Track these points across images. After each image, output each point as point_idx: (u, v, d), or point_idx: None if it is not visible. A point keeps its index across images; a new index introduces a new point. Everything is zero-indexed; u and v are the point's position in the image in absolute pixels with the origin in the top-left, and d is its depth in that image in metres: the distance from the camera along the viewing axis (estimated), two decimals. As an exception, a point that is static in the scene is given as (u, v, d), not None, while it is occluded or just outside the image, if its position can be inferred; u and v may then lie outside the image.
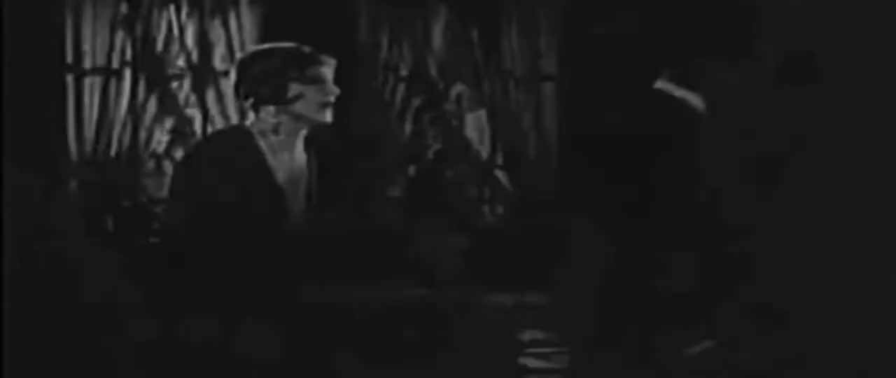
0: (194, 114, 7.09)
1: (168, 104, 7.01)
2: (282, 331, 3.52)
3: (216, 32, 7.07)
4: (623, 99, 3.34)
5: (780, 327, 5.82)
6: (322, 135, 3.71)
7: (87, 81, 6.94)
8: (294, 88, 3.50)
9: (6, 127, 6.26)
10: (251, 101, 3.54)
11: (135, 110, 7.01)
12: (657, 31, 3.36)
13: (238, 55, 6.48)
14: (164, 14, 7.01)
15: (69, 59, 6.93)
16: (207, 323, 3.40)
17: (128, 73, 7.00)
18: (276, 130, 3.52)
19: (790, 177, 6.30)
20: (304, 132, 3.57)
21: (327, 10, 7.21)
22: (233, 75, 3.58)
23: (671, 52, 3.25)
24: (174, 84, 7.02)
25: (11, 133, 6.34)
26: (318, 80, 3.53)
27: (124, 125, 7.00)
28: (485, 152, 7.51)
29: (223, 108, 7.03)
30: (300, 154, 3.60)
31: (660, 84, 3.22)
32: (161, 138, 7.06)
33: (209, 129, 7.03)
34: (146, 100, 7.01)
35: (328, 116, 3.56)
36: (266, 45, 3.67)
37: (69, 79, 6.93)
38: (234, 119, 6.95)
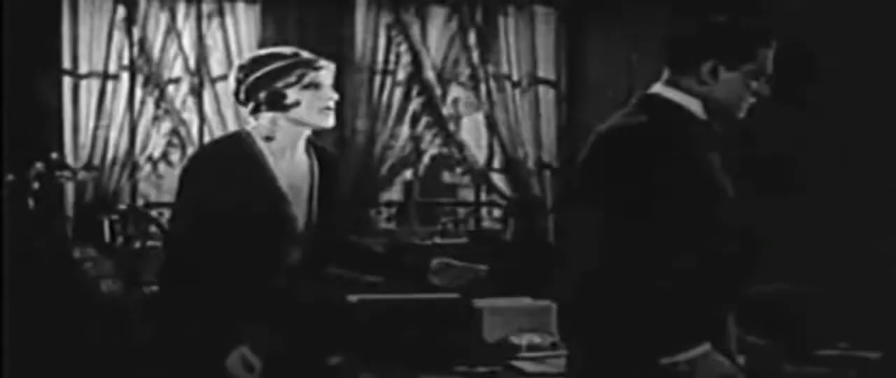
0: (191, 118, 7.07)
1: (165, 108, 7.00)
2: (284, 334, 3.51)
3: (214, 36, 7.06)
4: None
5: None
6: (322, 139, 3.71)
7: (84, 85, 6.93)
8: (293, 94, 3.49)
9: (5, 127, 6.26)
10: (250, 106, 3.52)
11: (132, 114, 7.00)
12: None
13: (236, 60, 6.51)
14: (162, 18, 6.99)
15: (66, 62, 6.91)
16: (211, 328, 3.39)
17: (125, 77, 6.98)
18: (275, 136, 3.51)
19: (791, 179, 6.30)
20: (305, 137, 3.56)
21: (325, 13, 7.20)
22: (232, 81, 3.57)
23: (671, 54, 3.23)
24: (171, 88, 7.01)
25: (9, 135, 6.34)
26: (317, 86, 3.51)
27: (121, 129, 6.98)
28: (482, 156, 7.50)
29: (220, 113, 7.02)
30: (302, 159, 3.59)
31: (656, 88, 3.21)
32: (158, 142, 7.04)
33: (206, 133, 7.02)
34: (143, 104, 7.00)
35: (329, 121, 3.55)
36: (264, 51, 3.66)
37: (66, 82, 6.91)
38: (231, 123, 6.95)
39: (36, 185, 6.38)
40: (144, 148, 7.01)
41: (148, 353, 5.77)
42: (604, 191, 3.06)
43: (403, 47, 7.30)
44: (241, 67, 3.54)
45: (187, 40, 7.06)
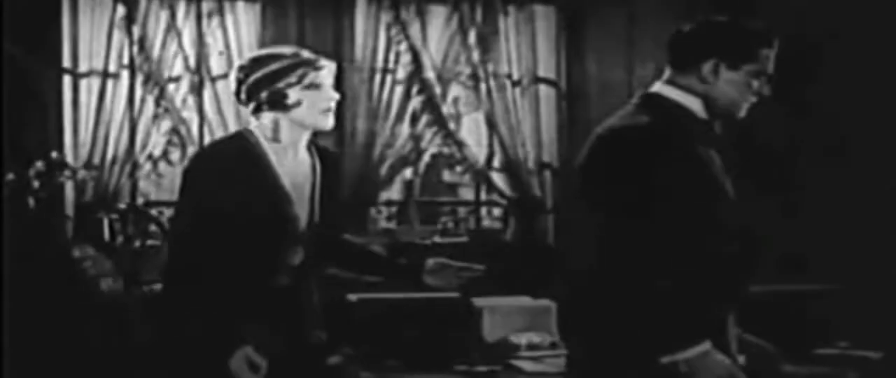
0: (191, 116, 7.07)
1: (165, 106, 7.00)
2: (285, 334, 3.51)
3: (214, 35, 7.06)
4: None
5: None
6: (323, 138, 3.71)
7: (84, 83, 6.93)
8: (294, 94, 3.48)
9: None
10: (252, 106, 3.52)
11: (132, 112, 7.00)
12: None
13: (237, 60, 6.50)
14: (162, 16, 6.99)
15: (66, 60, 6.92)
16: (214, 328, 3.38)
17: (125, 76, 6.99)
18: (277, 136, 3.50)
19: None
20: (306, 136, 3.56)
21: (324, 12, 7.20)
22: (232, 81, 3.56)
23: (673, 52, 3.23)
24: (171, 86, 7.01)
25: (9, 135, 6.34)
26: (318, 86, 3.51)
27: (121, 127, 6.98)
28: (482, 155, 7.50)
29: (220, 111, 7.02)
30: (304, 158, 3.58)
31: (657, 87, 3.21)
32: (158, 141, 7.04)
33: (206, 132, 7.01)
34: (143, 102, 7.00)
35: (329, 122, 3.54)
36: (265, 51, 3.64)
37: (67, 81, 6.91)
38: (231, 122, 6.94)
39: (36, 184, 6.38)
40: (144, 146, 7.01)
41: (148, 353, 5.77)
42: (605, 190, 3.06)
43: (403, 46, 7.30)
44: (242, 67, 3.53)
45: (187, 39, 7.05)
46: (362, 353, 6.02)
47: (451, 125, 7.37)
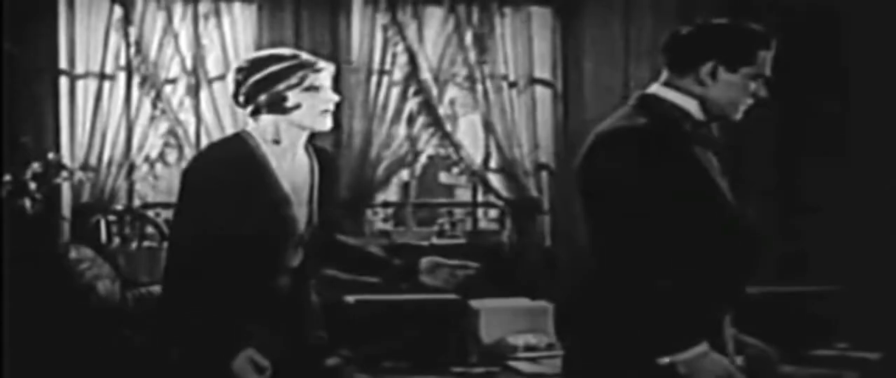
0: (188, 118, 7.06)
1: (162, 108, 6.99)
2: (286, 336, 3.50)
3: (210, 37, 7.05)
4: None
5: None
6: (320, 139, 3.70)
7: (81, 85, 6.93)
8: (293, 97, 3.47)
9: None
10: (250, 108, 3.51)
11: (129, 114, 7.00)
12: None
13: (234, 62, 6.49)
14: (159, 18, 6.99)
15: (63, 62, 6.91)
16: (215, 330, 3.38)
17: (122, 78, 6.98)
18: (277, 138, 3.50)
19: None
20: (304, 137, 3.55)
21: (321, 13, 7.20)
22: (230, 83, 3.55)
23: (671, 54, 3.23)
24: (168, 88, 7.00)
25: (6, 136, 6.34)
26: (318, 88, 3.50)
27: (118, 129, 6.98)
28: (479, 156, 7.50)
29: (217, 113, 7.01)
30: (302, 159, 3.58)
31: (654, 88, 3.21)
32: (155, 142, 7.04)
33: (203, 134, 7.01)
34: (140, 104, 6.99)
35: (327, 123, 3.54)
36: (264, 53, 3.63)
37: (63, 82, 6.91)
38: (228, 123, 6.94)
39: (33, 186, 6.38)
40: (141, 148, 7.00)
41: (146, 354, 5.77)
42: (602, 191, 3.06)
43: (400, 47, 7.30)
44: (240, 69, 3.51)
45: (184, 40, 7.05)
46: (360, 355, 6.02)
47: (448, 126, 7.37)
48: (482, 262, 3.77)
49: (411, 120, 7.34)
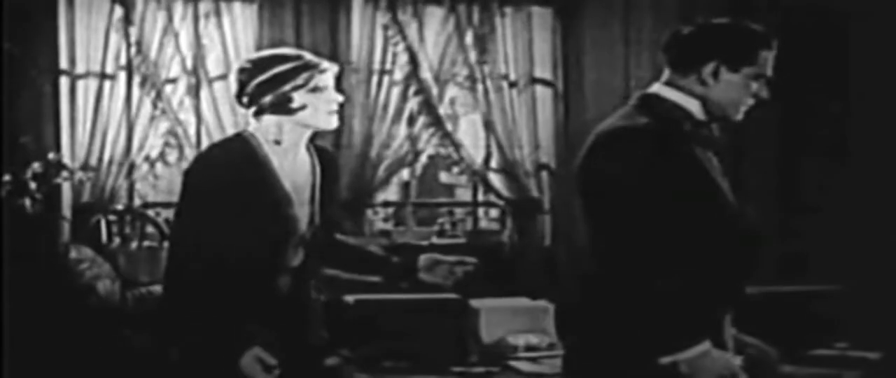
0: (188, 118, 7.06)
1: (162, 108, 6.99)
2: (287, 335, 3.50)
3: (211, 37, 7.05)
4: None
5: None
6: (321, 138, 3.70)
7: (82, 85, 6.92)
8: (299, 98, 3.46)
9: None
10: (253, 109, 3.50)
11: (129, 114, 7.00)
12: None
13: (235, 62, 6.49)
14: (159, 18, 6.98)
15: (64, 62, 6.91)
16: (218, 331, 3.38)
17: (122, 77, 6.98)
18: (278, 139, 3.49)
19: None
20: (306, 137, 3.55)
21: (321, 13, 7.20)
22: (234, 83, 3.54)
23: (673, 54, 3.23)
24: (168, 88, 7.00)
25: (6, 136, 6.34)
26: (322, 89, 3.50)
27: (118, 129, 6.98)
28: (479, 156, 7.50)
29: (217, 112, 7.01)
30: (304, 159, 3.58)
31: (655, 88, 3.21)
32: (155, 142, 7.03)
33: (203, 133, 7.01)
34: (140, 104, 6.99)
35: (334, 123, 3.54)
36: (267, 53, 3.62)
37: (64, 82, 6.91)
38: (228, 122, 6.94)
39: (33, 186, 6.38)
40: (142, 148, 7.00)
41: (145, 354, 5.77)
42: (603, 190, 3.06)
43: (400, 47, 7.29)
44: (243, 69, 3.50)
45: (184, 40, 7.05)
46: (360, 355, 6.02)
47: (448, 126, 7.37)
48: (482, 262, 3.77)
49: (412, 119, 7.34)
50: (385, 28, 7.28)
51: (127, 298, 6.30)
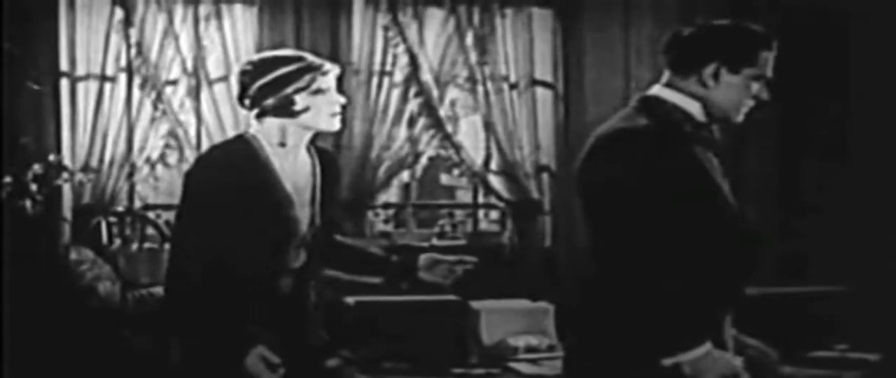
0: (189, 120, 7.06)
1: (163, 110, 6.99)
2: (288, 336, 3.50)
3: (211, 38, 7.05)
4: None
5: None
6: (322, 140, 3.70)
7: (82, 87, 6.92)
8: (302, 100, 3.46)
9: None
10: (256, 111, 3.50)
11: (129, 116, 7.00)
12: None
13: (235, 63, 6.49)
14: (159, 20, 6.98)
15: (64, 64, 6.91)
16: (220, 332, 3.38)
17: (122, 79, 6.98)
18: (283, 141, 3.49)
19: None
20: (307, 138, 3.55)
21: (322, 14, 7.20)
22: (235, 85, 3.54)
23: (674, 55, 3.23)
24: (169, 90, 7.00)
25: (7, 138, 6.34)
26: (325, 91, 3.50)
27: (119, 131, 6.98)
28: (479, 158, 7.50)
29: (218, 114, 7.01)
30: (304, 160, 3.58)
31: (655, 90, 3.21)
32: (155, 144, 7.03)
33: (204, 135, 7.01)
34: (141, 105, 6.99)
35: (336, 124, 3.54)
36: (268, 54, 3.62)
37: (64, 84, 6.91)
38: (229, 124, 6.94)
39: (34, 187, 6.38)
40: (142, 150, 7.00)
41: (145, 355, 5.77)
42: (603, 192, 3.06)
43: (400, 49, 7.29)
44: (245, 71, 3.50)
45: (185, 42, 7.05)
46: (360, 356, 6.02)
47: (449, 128, 7.37)
48: (483, 264, 3.77)
49: (412, 121, 7.34)
50: (385, 29, 7.28)
51: (127, 300, 6.31)
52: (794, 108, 7.13)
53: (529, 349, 6.19)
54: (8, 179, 6.25)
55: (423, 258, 3.71)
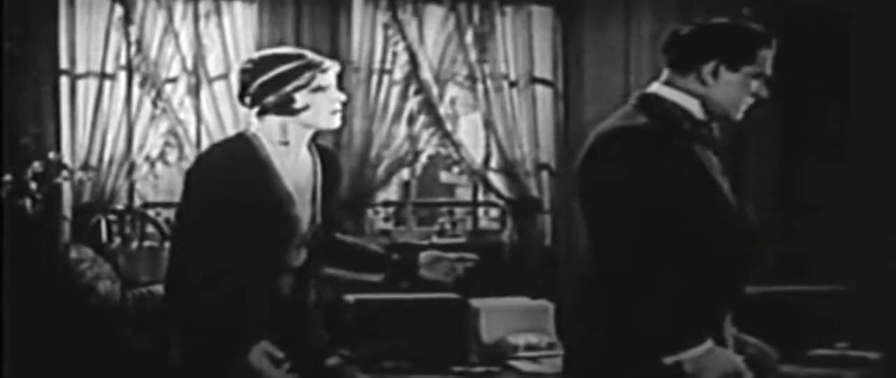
0: (188, 118, 7.06)
1: (162, 108, 6.99)
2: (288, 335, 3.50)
3: (211, 36, 7.04)
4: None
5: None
6: (322, 138, 3.70)
7: (82, 84, 6.92)
8: (302, 98, 3.46)
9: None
10: (256, 109, 3.50)
11: (129, 114, 6.99)
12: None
13: (235, 61, 6.48)
14: (159, 18, 6.98)
15: (64, 62, 6.91)
16: (221, 331, 3.38)
17: (122, 77, 6.97)
18: (284, 140, 3.49)
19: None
20: (308, 136, 3.55)
21: (321, 12, 7.20)
22: (236, 83, 3.54)
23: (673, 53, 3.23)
24: (169, 88, 7.00)
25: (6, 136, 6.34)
26: (325, 88, 3.50)
27: (118, 129, 6.97)
28: (479, 156, 7.49)
29: (217, 112, 7.01)
30: (305, 158, 3.58)
31: (654, 87, 3.21)
32: (155, 142, 7.03)
33: (203, 133, 7.00)
34: (140, 103, 6.99)
35: (337, 122, 3.54)
36: (268, 52, 3.62)
37: (64, 82, 6.90)
38: (229, 122, 6.93)
39: (33, 186, 6.38)
40: (142, 148, 7.00)
41: (145, 354, 5.77)
42: (603, 190, 3.06)
43: (400, 46, 7.29)
44: (245, 69, 3.50)
45: (184, 40, 7.04)
46: (360, 355, 6.02)
47: (449, 126, 7.37)
48: (482, 262, 3.77)
49: (412, 119, 7.33)
50: (385, 27, 7.27)
51: (127, 298, 6.31)
52: (794, 108, 7.13)
53: (529, 347, 6.20)
54: (8, 178, 6.25)
55: (423, 256, 3.71)
